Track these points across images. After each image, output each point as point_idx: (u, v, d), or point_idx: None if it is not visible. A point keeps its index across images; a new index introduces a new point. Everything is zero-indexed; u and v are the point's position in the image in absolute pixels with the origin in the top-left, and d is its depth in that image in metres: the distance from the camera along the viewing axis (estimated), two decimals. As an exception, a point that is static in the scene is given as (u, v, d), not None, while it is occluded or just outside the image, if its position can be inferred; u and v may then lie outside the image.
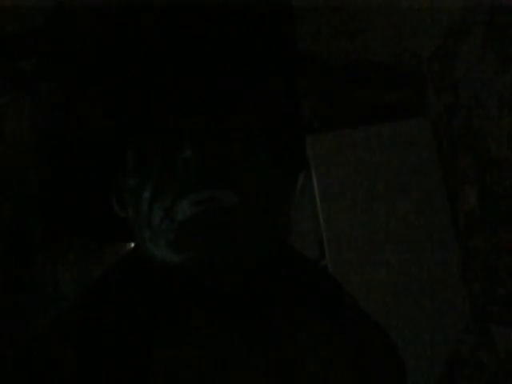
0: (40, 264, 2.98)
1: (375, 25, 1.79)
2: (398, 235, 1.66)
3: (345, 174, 1.71)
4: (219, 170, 0.40)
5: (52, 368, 0.40)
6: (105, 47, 0.41)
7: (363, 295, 1.58)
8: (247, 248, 0.42)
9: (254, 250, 0.43)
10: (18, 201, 2.55)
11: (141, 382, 0.39)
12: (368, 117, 1.85)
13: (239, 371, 0.41)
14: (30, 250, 2.92)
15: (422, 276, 1.63)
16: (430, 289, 1.62)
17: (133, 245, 0.50)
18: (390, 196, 1.69)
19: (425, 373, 1.55)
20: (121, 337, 0.41)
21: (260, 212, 0.42)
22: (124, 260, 0.49)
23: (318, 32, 1.80)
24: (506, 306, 1.39)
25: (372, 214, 1.68)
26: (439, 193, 1.70)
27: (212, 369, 0.41)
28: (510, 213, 1.33)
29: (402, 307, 1.60)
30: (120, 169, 0.45)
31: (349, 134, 1.75)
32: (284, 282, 0.48)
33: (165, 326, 0.42)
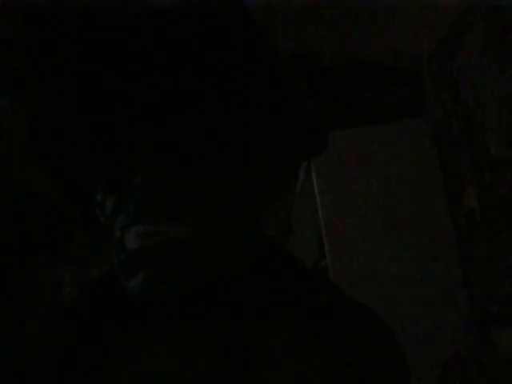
0: (40, 264, 2.98)
1: (375, 25, 1.79)
2: (398, 235, 1.66)
3: (345, 174, 1.71)
4: (172, 201, 0.38)
5: None
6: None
7: (363, 295, 1.58)
8: (202, 273, 0.39)
9: (213, 273, 0.40)
10: (19, 200, 2.55)
11: None
12: (368, 117, 1.85)
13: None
14: (30, 250, 2.93)
15: (422, 276, 1.63)
16: (430, 289, 1.62)
17: None
18: (390, 196, 1.69)
19: (425, 373, 1.55)
20: (80, 356, 0.42)
21: (220, 237, 0.40)
22: (105, 275, 0.49)
23: (318, 32, 1.80)
24: (506, 306, 1.39)
25: (372, 214, 1.68)
26: (439, 193, 1.70)
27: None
28: (510, 213, 1.33)
29: (402, 307, 1.60)
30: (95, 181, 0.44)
31: (349, 133, 1.75)
32: (262, 288, 0.46)
33: (127, 341, 0.42)
